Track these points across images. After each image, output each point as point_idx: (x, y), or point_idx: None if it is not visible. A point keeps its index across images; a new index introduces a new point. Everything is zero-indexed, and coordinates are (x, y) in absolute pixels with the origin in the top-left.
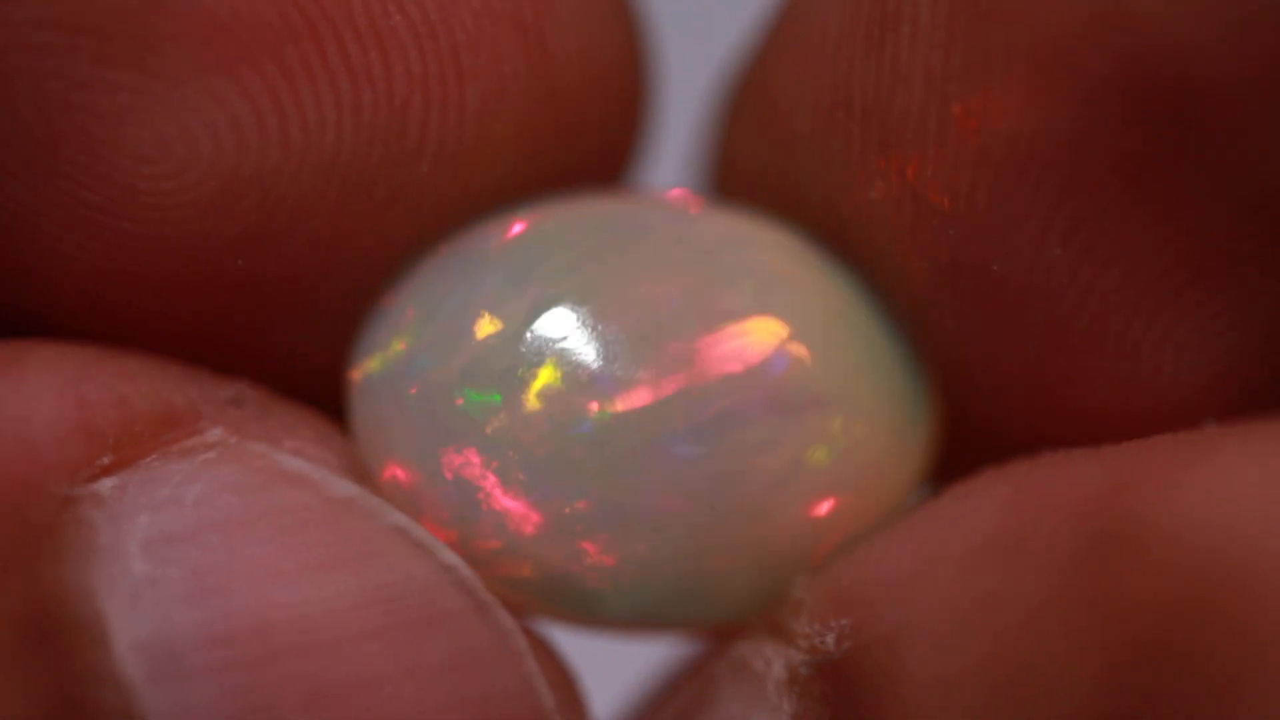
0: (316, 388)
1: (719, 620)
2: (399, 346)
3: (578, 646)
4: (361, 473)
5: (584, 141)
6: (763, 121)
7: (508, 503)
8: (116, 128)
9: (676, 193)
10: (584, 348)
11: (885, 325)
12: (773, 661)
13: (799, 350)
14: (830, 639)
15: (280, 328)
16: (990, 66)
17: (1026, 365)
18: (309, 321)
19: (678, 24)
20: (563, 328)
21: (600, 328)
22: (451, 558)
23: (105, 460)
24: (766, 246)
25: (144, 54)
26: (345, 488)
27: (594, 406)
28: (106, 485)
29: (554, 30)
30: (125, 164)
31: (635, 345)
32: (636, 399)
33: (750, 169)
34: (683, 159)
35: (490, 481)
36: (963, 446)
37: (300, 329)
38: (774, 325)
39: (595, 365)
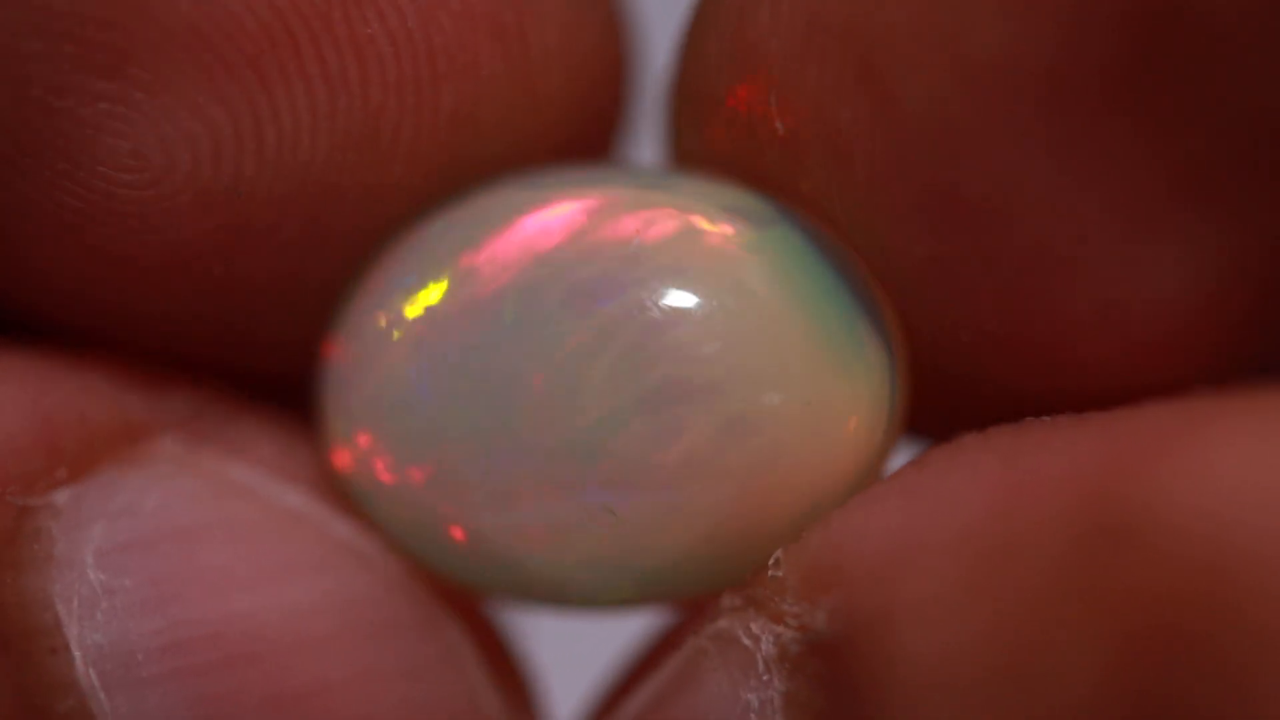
0: (291, 387)
1: (684, 595)
2: (360, 340)
3: (548, 622)
4: (322, 480)
5: (563, 143)
6: (732, 50)
7: (461, 496)
8: (95, 135)
9: (640, 169)
10: (538, 335)
11: (838, 274)
12: (760, 638)
13: (734, 318)
14: (820, 617)
15: (256, 330)
16: None
17: (1004, 293)
18: (284, 323)
19: (663, 22)
20: (518, 316)
21: (545, 317)
22: (398, 569)
23: (61, 472)
24: (685, 216)
25: (123, 62)
26: (296, 499)
27: (532, 382)
28: (63, 496)
29: (535, 32)
30: (104, 170)
31: (585, 325)
32: (569, 365)
33: (718, 97)
34: (661, 154)
35: (444, 474)
36: (940, 399)
37: (276, 330)
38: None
39: (546, 353)
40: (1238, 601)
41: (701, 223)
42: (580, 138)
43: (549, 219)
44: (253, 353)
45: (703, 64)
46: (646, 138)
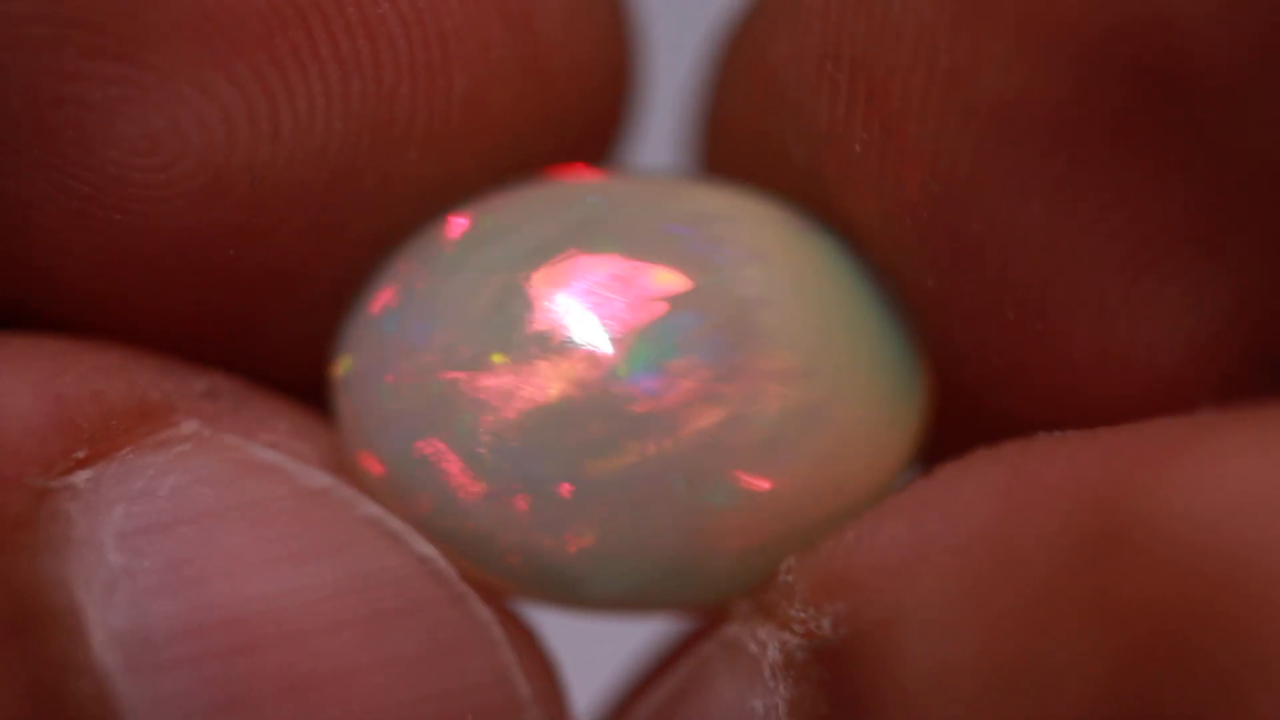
0: (306, 376)
1: (705, 601)
2: (375, 337)
3: (563, 627)
4: (340, 463)
5: (572, 124)
6: (752, 79)
7: (484, 490)
8: (107, 120)
9: (661, 171)
10: (552, 331)
11: (875, 297)
12: (767, 644)
13: (775, 325)
14: (826, 624)
15: (271, 316)
16: (981, 22)
17: (1009, 330)
18: (300, 310)
19: (666, 8)
20: (530, 311)
21: (568, 310)
22: (426, 548)
23: (80, 454)
24: (738, 220)
25: (134, 47)
26: (319, 479)
27: (565, 390)
28: (81, 478)
29: (541, 15)
30: (116, 156)
31: (604, 326)
32: (608, 380)
33: (740, 129)
34: (671, 138)
35: (465, 469)
36: (950, 417)
37: (291, 317)
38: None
39: (564, 348)
40: (1234, 610)
41: (772, 220)
42: (588, 125)
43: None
44: (264, 346)
45: (725, 93)
46: (651, 129)
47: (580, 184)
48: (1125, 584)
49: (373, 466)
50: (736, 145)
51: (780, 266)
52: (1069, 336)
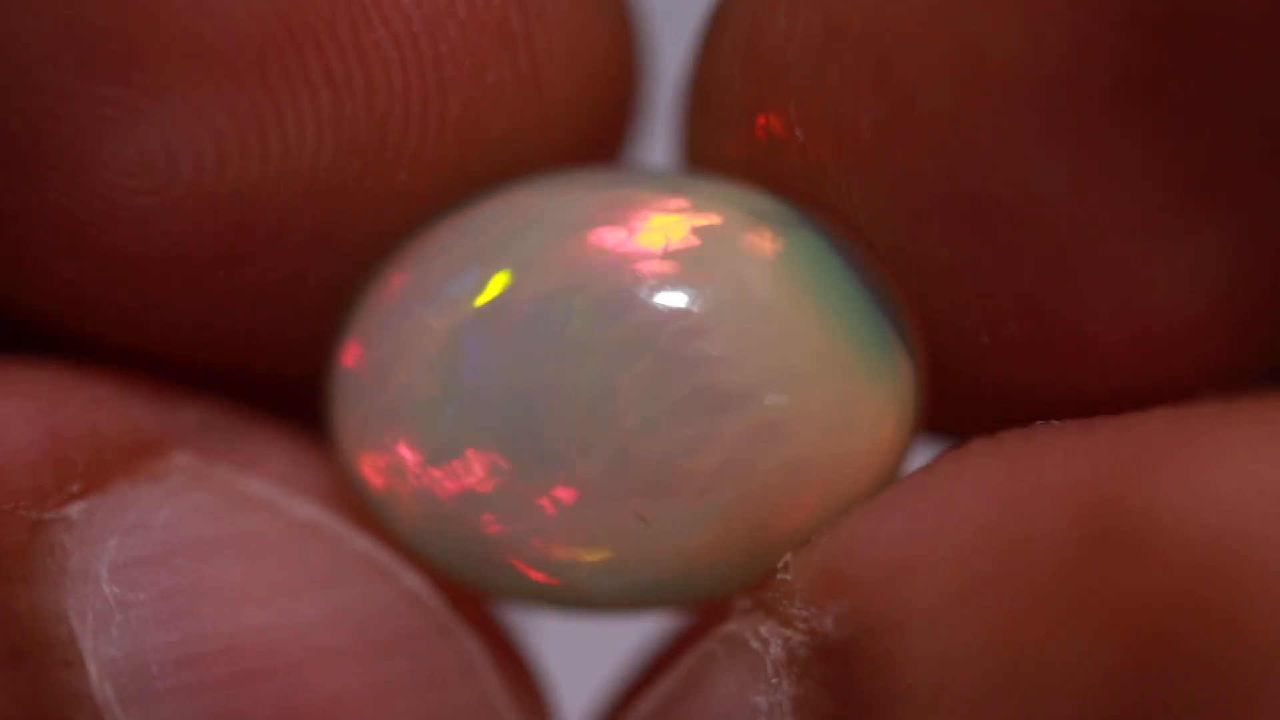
0: (296, 393)
1: (704, 598)
2: (371, 346)
3: (564, 624)
4: (335, 492)
5: (572, 147)
6: (749, 57)
7: (481, 500)
8: (99, 141)
9: (652, 173)
10: (554, 333)
11: (857, 287)
12: (769, 641)
13: (765, 324)
14: (829, 622)
15: (264, 329)
16: None
17: (1024, 294)
18: (293, 322)
19: (674, 26)
20: (510, 312)
21: (566, 310)
22: (414, 581)
23: (75, 487)
24: (713, 222)
25: (127, 68)
26: (311, 512)
27: (563, 390)
28: (76, 510)
29: (543, 39)
30: (107, 177)
31: (606, 323)
32: (603, 383)
33: (735, 109)
34: (672, 144)
35: (462, 482)
36: (957, 399)
37: (284, 329)
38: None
39: (551, 351)
40: (1234, 608)
41: (729, 229)
42: (590, 144)
43: (576, 227)
44: (258, 358)
45: (718, 70)
46: (658, 143)
47: (523, 204)
48: (1126, 580)
49: (367, 474)
50: (730, 125)
51: (733, 283)
52: (1085, 297)
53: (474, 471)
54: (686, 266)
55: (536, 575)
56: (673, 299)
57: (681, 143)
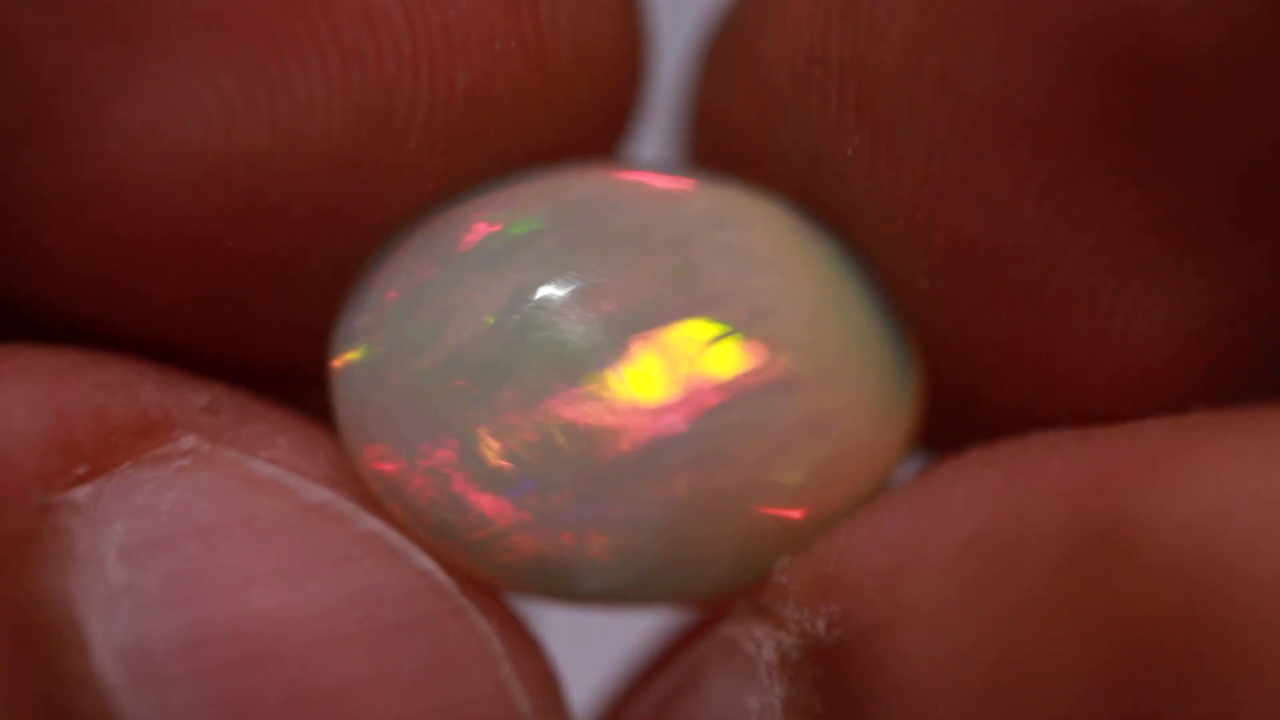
0: (306, 363)
1: (703, 596)
2: (379, 334)
3: (560, 625)
4: (342, 474)
5: (578, 117)
6: (744, 77)
7: (488, 493)
8: (106, 107)
9: (660, 168)
10: (564, 337)
11: (869, 293)
12: (763, 644)
13: (780, 331)
14: (821, 625)
15: (269, 307)
16: (966, 22)
17: (1002, 329)
18: (299, 300)
19: (675, 23)
20: (543, 317)
21: (579, 317)
22: (426, 562)
23: (81, 470)
24: (746, 225)
25: (134, 34)
26: (319, 493)
27: (573, 408)
28: (82, 493)
29: (548, 7)
30: (115, 144)
31: (614, 334)
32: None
33: (732, 124)
34: (678, 133)
35: (470, 472)
36: (947, 414)
37: (290, 308)
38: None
39: (576, 355)
40: (1220, 616)
41: (771, 222)
42: (594, 118)
43: (617, 236)
44: (264, 335)
45: (719, 89)
46: (657, 138)
47: (586, 184)
48: (1116, 588)
49: (372, 461)
50: (730, 141)
51: (783, 274)
52: (1062, 333)
53: (485, 459)
54: (742, 249)
55: (542, 566)
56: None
57: (687, 156)
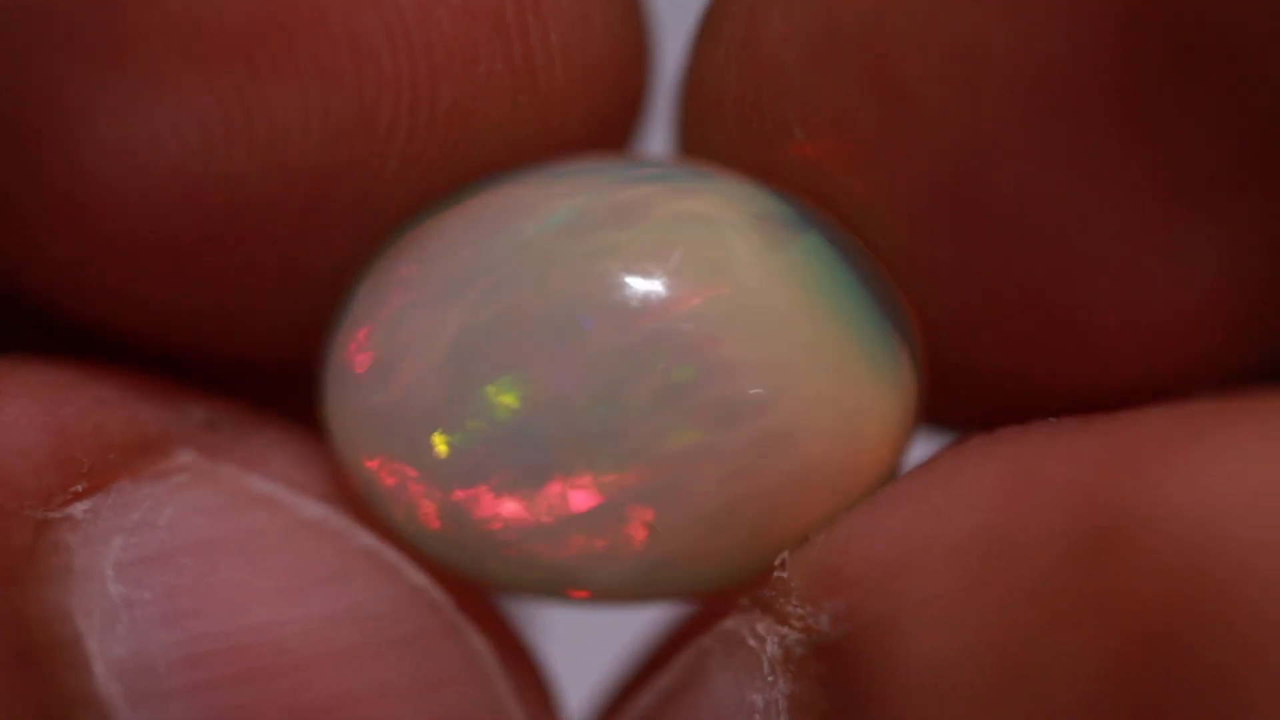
0: (298, 370)
1: (705, 591)
2: (368, 341)
3: (560, 620)
4: (338, 489)
5: (574, 140)
6: (744, 58)
7: (483, 498)
8: (84, 124)
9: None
10: (544, 340)
11: (854, 286)
12: (766, 639)
13: (757, 331)
14: (825, 620)
15: (258, 314)
16: None
17: (1027, 292)
18: (286, 308)
19: (679, 19)
20: (520, 316)
21: (559, 315)
22: (421, 579)
23: (79, 485)
24: (720, 226)
25: (113, 51)
26: (316, 510)
27: (563, 403)
28: (80, 509)
29: (537, 29)
30: (92, 160)
31: (601, 318)
32: (613, 390)
33: (730, 109)
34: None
35: (464, 479)
36: (958, 384)
37: (278, 315)
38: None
39: (561, 358)
40: (1223, 608)
41: (737, 233)
42: (592, 136)
43: (584, 229)
44: (251, 348)
45: (714, 70)
46: (660, 138)
47: (529, 201)
48: (1121, 581)
49: (369, 471)
50: (726, 126)
51: (760, 268)
52: (1087, 294)
53: (481, 471)
54: (698, 276)
55: (538, 571)
56: (684, 309)
57: (676, 140)
